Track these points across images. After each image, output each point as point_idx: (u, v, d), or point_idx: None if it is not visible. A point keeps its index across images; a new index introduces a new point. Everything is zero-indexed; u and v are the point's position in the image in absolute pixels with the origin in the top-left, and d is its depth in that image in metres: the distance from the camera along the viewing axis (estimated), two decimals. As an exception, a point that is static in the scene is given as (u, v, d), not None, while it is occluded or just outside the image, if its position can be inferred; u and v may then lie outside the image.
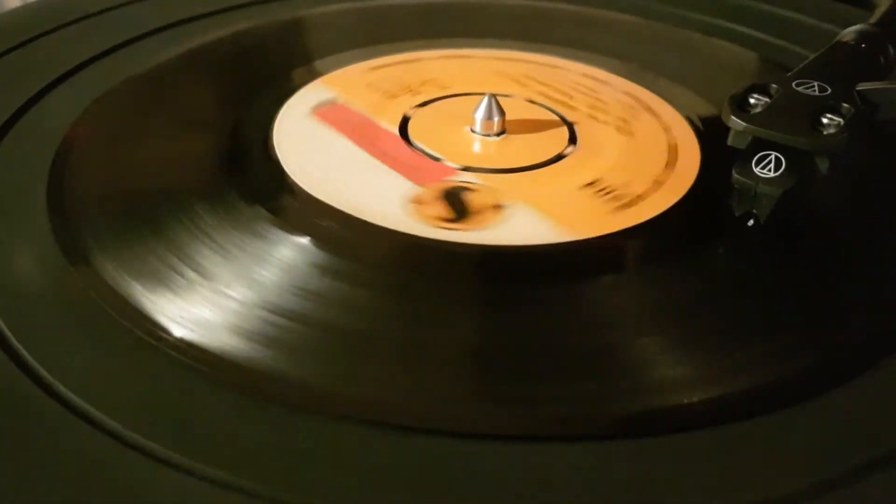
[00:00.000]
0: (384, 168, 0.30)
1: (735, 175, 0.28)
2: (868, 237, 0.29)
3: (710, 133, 0.33)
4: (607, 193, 0.29)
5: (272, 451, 0.21)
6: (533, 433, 0.22)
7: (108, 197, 0.30)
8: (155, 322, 0.24)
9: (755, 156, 0.28)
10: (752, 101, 0.30)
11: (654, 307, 0.26)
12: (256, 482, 0.20)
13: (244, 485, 0.20)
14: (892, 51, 0.34)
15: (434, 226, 0.28)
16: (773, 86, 0.30)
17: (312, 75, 0.36)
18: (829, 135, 0.28)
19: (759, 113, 0.29)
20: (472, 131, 0.32)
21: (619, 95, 0.35)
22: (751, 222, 0.28)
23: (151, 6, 0.43)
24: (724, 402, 0.23)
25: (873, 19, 0.35)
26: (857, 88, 0.30)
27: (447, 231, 0.27)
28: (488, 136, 0.32)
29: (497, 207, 0.28)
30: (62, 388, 0.22)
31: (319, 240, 0.27)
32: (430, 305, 0.26)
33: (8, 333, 0.24)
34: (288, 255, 0.26)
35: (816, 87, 0.30)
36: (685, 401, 0.23)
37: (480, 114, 0.32)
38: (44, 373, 0.23)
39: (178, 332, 0.24)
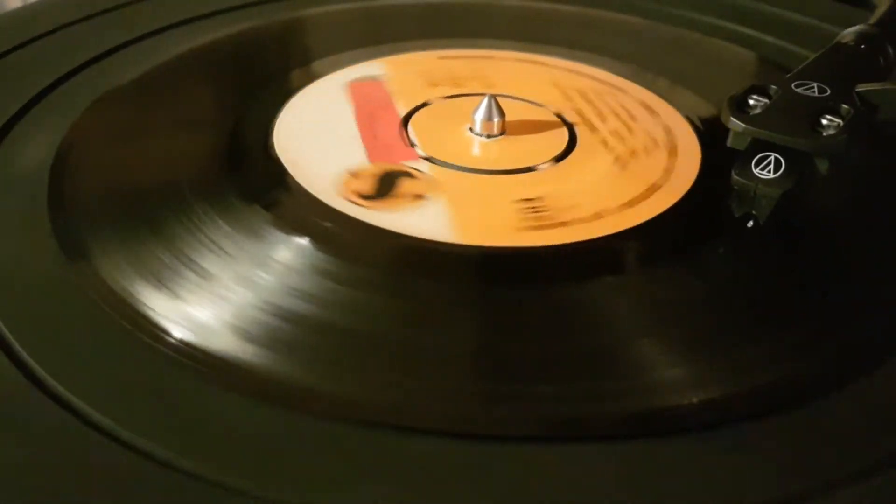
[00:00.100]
0: (357, 142, 0.31)
1: (734, 176, 0.28)
2: (868, 238, 0.29)
3: (710, 134, 0.33)
4: (536, 212, 0.28)
5: (272, 452, 0.21)
6: (532, 434, 0.22)
7: (108, 197, 0.30)
8: (155, 322, 0.24)
9: (755, 157, 0.28)
10: (751, 102, 0.30)
11: (653, 308, 0.26)
12: (256, 482, 0.20)
13: (243, 485, 0.20)
14: (891, 51, 0.34)
15: (345, 198, 0.28)
16: (773, 87, 0.30)
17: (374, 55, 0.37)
18: (829, 136, 0.28)
19: (759, 114, 0.29)
20: (471, 130, 0.32)
21: (654, 129, 0.33)
22: (750, 223, 0.28)
23: (151, 6, 0.43)
24: (724, 403, 0.23)
25: (873, 20, 0.35)
26: (857, 89, 0.30)
27: (351, 205, 0.28)
28: (481, 135, 0.32)
29: (418, 197, 0.29)
30: (61, 389, 0.22)
31: (319, 240, 0.27)
32: (434, 305, 0.26)
33: (7, 333, 0.24)
34: (288, 255, 0.26)
35: (816, 88, 0.30)
36: (685, 401, 0.23)
37: (480, 114, 0.32)
38: (43, 373, 0.23)
39: (177, 332, 0.24)
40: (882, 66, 0.33)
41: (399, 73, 0.36)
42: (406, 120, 0.33)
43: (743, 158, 0.29)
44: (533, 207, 0.29)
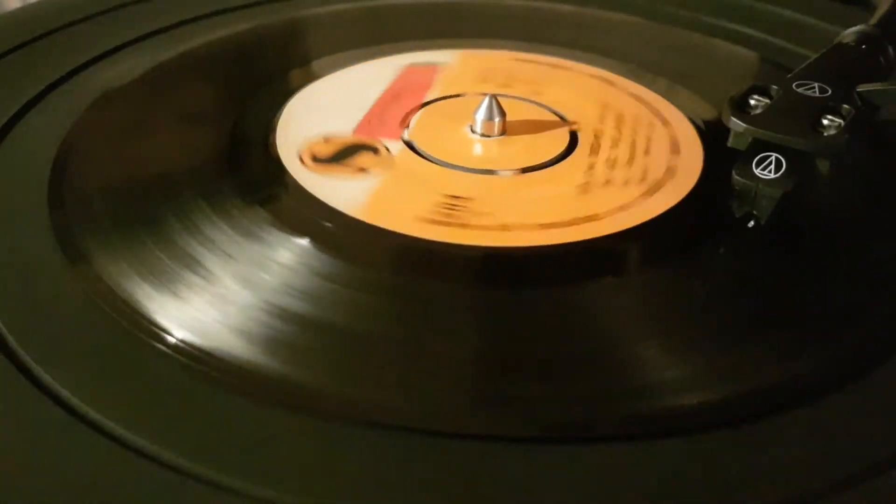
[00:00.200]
0: (359, 116, 0.33)
1: (735, 176, 0.28)
2: (869, 238, 0.29)
3: (712, 135, 0.33)
4: (451, 209, 0.28)
5: (272, 452, 0.21)
6: (532, 434, 0.22)
7: (109, 197, 0.30)
8: (155, 323, 0.24)
9: (755, 157, 0.28)
10: (752, 102, 0.30)
11: (653, 308, 0.26)
12: (255, 482, 0.20)
13: (243, 485, 0.20)
14: (892, 52, 0.34)
15: (298, 156, 0.30)
16: (774, 87, 0.30)
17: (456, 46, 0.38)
18: (830, 136, 0.28)
19: (760, 114, 0.29)
20: (472, 129, 0.32)
21: (655, 167, 0.31)
22: (751, 223, 0.28)
23: (151, 6, 0.43)
24: (724, 403, 0.23)
25: (873, 20, 0.35)
26: (858, 89, 0.30)
27: (301, 167, 0.30)
28: (476, 133, 0.32)
29: (362, 170, 0.30)
30: (61, 389, 0.22)
31: (319, 241, 0.27)
32: (435, 306, 0.26)
33: (7, 334, 0.24)
34: (288, 255, 0.26)
35: (817, 88, 0.30)
36: (685, 401, 0.23)
37: (481, 114, 0.32)
38: (42, 373, 0.23)
39: (178, 332, 0.24)
40: (883, 67, 0.33)
41: (463, 64, 0.37)
42: (423, 106, 0.34)
43: (744, 159, 0.29)
44: (452, 205, 0.29)
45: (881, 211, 0.31)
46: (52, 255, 0.27)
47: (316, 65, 0.38)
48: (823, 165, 0.28)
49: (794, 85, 0.30)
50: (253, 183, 0.30)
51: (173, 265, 0.26)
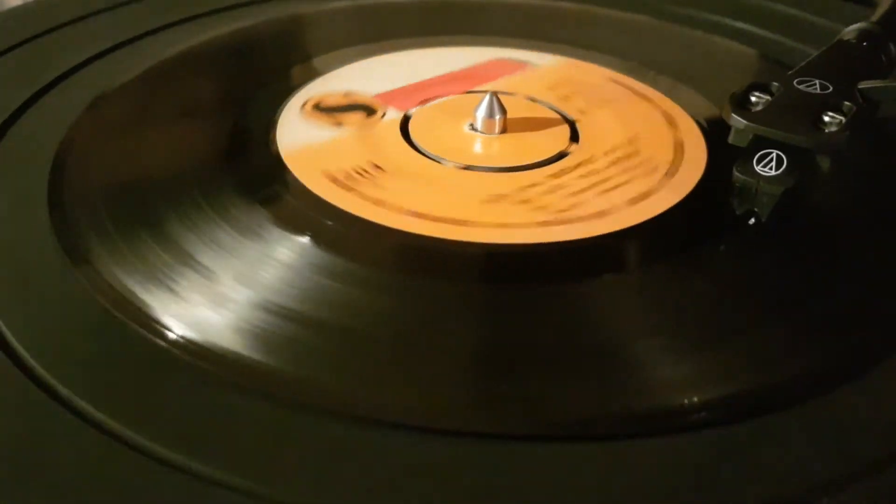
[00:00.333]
0: (397, 85, 0.35)
1: (736, 173, 0.28)
2: (870, 235, 0.29)
3: (715, 133, 0.33)
4: (360, 176, 0.30)
5: (272, 450, 0.21)
6: (532, 434, 0.22)
7: (109, 196, 0.30)
8: (156, 321, 0.24)
9: (756, 154, 0.28)
10: (753, 99, 0.30)
11: (653, 308, 0.26)
12: (256, 482, 0.20)
13: (244, 484, 0.20)
14: (893, 49, 0.34)
15: (307, 102, 0.33)
16: (775, 84, 0.30)
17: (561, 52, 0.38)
18: (831, 133, 0.28)
19: (761, 111, 0.29)
20: (472, 127, 0.32)
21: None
22: (752, 221, 0.28)
23: (151, 6, 0.43)
24: (724, 403, 0.23)
25: (875, 17, 0.35)
26: (859, 86, 0.30)
27: (296, 107, 0.33)
28: (474, 127, 0.32)
29: (337, 123, 0.32)
30: (62, 388, 0.22)
31: (321, 239, 0.27)
32: (431, 306, 0.26)
33: (8, 333, 0.24)
34: (289, 253, 0.26)
35: (818, 85, 0.30)
36: (685, 401, 0.23)
37: (482, 112, 0.32)
38: (43, 372, 0.23)
39: (179, 330, 0.24)
40: (884, 64, 0.33)
41: (552, 70, 0.36)
42: (467, 93, 0.34)
43: (745, 155, 0.28)
44: (364, 171, 0.30)
45: (882, 208, 0.31)
46: (52, 255, 0.27)
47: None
48: (824, 162, 0.28)
49: (795, 82, 0.30)
50: (253, 181, 0.30)
51: (173, 264, 0.26)
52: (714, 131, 0.33)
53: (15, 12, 0.43)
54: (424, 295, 0.26)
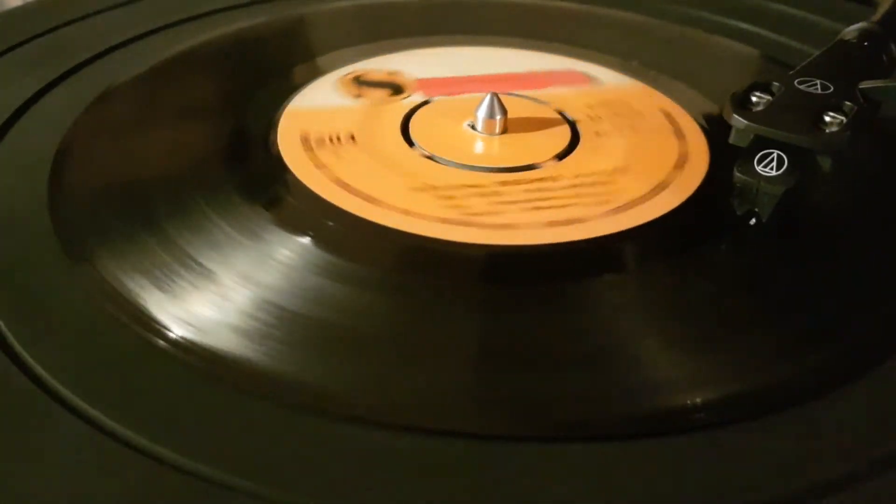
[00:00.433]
0: (447, 74, 0.36)
1: (737, 173, 0.28)
2: (870, 236, 0.29)
3: (716, 132, 0.33)
4: (330, 144, 0.31)
5: (271, 451, 0.21)
6: (532, 434, 0.22)
7: (109, 196, 0.30)
8: (156, 321, 0.24)
9: (757, 154, 0.28)
10: (753, 99, 0.30)
11: (653, 308, 0.26)
12: (256, 482, 0.20)
13: (243, 484, 0.20)
14: (894, 49, 0.34)
15: (349, 74, 0.35)
16: (775, 84, 0.30)
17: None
18: (832, 133, 0.28)
19: (761, 111, 0.29)
20: (471, 125, 0.32)
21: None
22: (752, 221, 0.28)
23: (151, 6, 0.43)
24: (724, 403, 0.23)
25: (875, 17, 0.35)
26: (860, 86, 0.30)
27: (337, 86, 0.34)
28: (477, 129, 0.32)
29: (359, 96, 0.34)
30: (62, 388, 0.22)
31: (322, 240, 0.27)
32: (431, 306, 0.26)
33: (8, 333, 0.24)
34: (290, 254, 0.26)
35: (819, 85, 0.30)
36: (685, 401, 0.23)
37: (482, 112, 0.32)
38: (43, 373, 0.23)
39: (179, 330, 0.24)
40: (885, 64, 0.33)
41: (610, 90, 0.35)
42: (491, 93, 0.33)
43: (745, 156, 0.28)
44: (338, 140, 0.31)
45: (882, 208, 0.31)
46: (52, 255, 0.27)
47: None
48: (825, 162, 0.28)
49: (795, 82, 0.30)
50: (254, 181, 0.30)
51: (173, 263, 0.26)
52: (715, 131, 0.33)
53: (15, 13, 0.43)
54: (426, 297, 0.26)
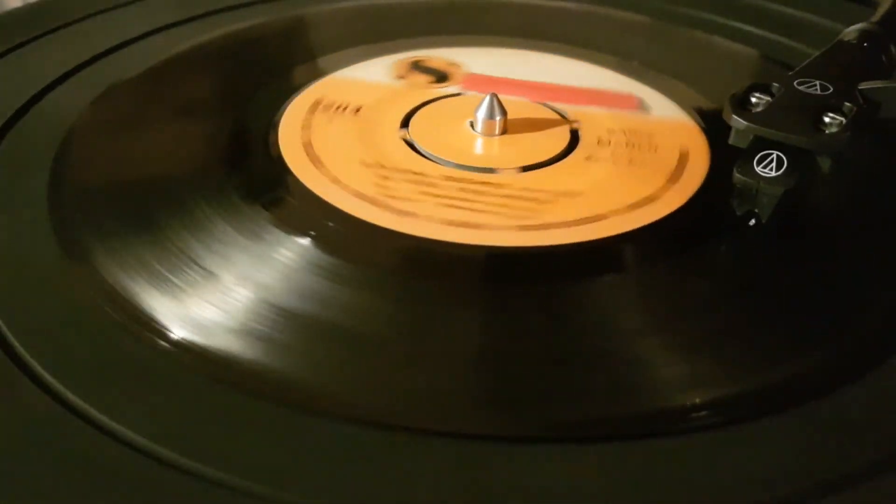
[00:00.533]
0: (488, 74, 0.36)
1: (736, 174, 0.28)
2: (870, 236, 0.29)
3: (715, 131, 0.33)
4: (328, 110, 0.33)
5: (272, 451, 0.21)
6: (532, 434, 0.22)
7: (110, 196, 0.30)
8: (156, 322, 0.24)
9: (757, 155, 0.28)
10: (753, 99, 0.30)
11: (654, 308, 0.26)
12: (256, 482, 0.20)
13: (244, 485, 0.20)
14: (894, 50, 0.34)
15: (410, 59, 0.37)
16: (775, 84, 0.30)
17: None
18: (831, 134, 0.28)
19: (761, 112, 0.29)
20: (472, 126, 0.32)
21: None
22: (752, 222, 0.28)
23: (151, 6, 0.43)
24: (725, 403, 0.23)
25: (875, 18, 0.35)
26: (859, 87, 0.30)
27: (388, 66, 0.36)
28: (476, 130, 0.32)
29: (402, 77, 0.35)
30: (62, 388, 0.22)
31: (322, 240, 0.27)
32: (432, 307, 0.26)
33: (8, 333, 0.24)
34: (290, 255, 0.26)
35: (818, 86, 0.30)
36: (685, 401, 0.23)
37: (482, 113, 0.32)
38: (44, 373, 0.23)
39: (178, 332, 0.24)
40: (884, 65, 0.33)
41: (651, 121, 0.34)
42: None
43: (745, 156, 0.28)
44: (343, 109, 0.33)
45: (882, 208, 0.31)
46: (52, 255, 0.27)
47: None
48: (825, 163, 0.28)
49: (795, 83, 0.30)
50: (254, 182, 0.30)
51: (174, 264, 0.26)
52: (714, 130, 0.33)
53: (15, 13, 0.43)
54: (426, 298, 0.26)
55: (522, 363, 0.24)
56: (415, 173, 0.30)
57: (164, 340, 0.24)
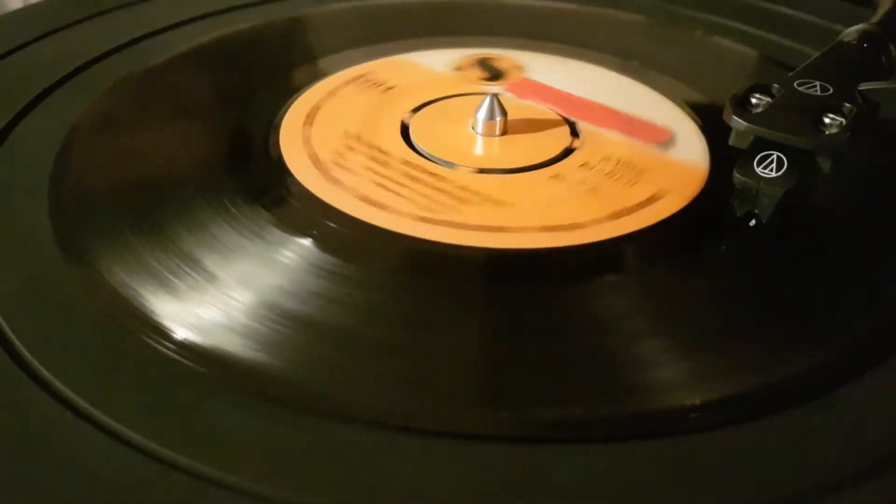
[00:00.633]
0: (540, 81, 0.36)
1: (736, 175, 0.28)
2: (870, 236, 0.29)
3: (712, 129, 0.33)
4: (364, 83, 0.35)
5: (272, 451, 0.21)
6: (532, 434, 0.22)
7: (110, 197, 0.30)
8: (156, 322, 0.24)
9: (757, 155, 0.28)
10: (753, 100, 0.30)
11: (654, 308, 0.26)
12: (256, 482, 0.20)
13: (245, 485, 0.20)
14: (893, 50, 0.34)
15: (476, 56, 0.38)
16: (775, 85, 0.30)
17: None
18: (831, 134, 0.28)
19: (761, 113, 0.29)
20: (472, 127, 0.32)
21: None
22: (752, 222, 0.28)
23: (151, 7, 0.43)
24: (725, 403, 0.23)
25: (875, 19, 0.35)
26: (859, 88, 0.30)
27: (454, 60, 0.37)
28: (476, 131, 0.32)
29: (457, 70, 0.37)
30: (63, 388, 0.22)
31: (322, 241, 0.27)
32: (433, 308, 0.26)
33: (9, 333, 0.24)
34: (291, 256, 0.26)
35: (818, 87, 0.30)
36: (685, 401, 0.23)
37: (482, 114, 0.32)
38: (45, 373, 0.23)
39: (179, 332, 0.24)
40: (884, 65, 0.33)
41: (666, 161, 0.32)
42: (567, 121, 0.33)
43: (745, 157, 0.28)
44: (376, 85, 0.35)
45: (882, 209, 0.31)
46: (53, 256, 0.27)
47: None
48: (825, 164, 0.28)
49: (795, 83, 0.30)
50: (256, 183, 0.30)
51: (174, 265, 0.26)
52: (712, 131, 0.33)
53: (15, 14, 0.43)
54: (425, 298, 0.26)
55: (522, 363, 0.24)
56: (381, 151, 0.31)
57: (164, 340, 0.24)
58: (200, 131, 0.33)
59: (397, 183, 0.30)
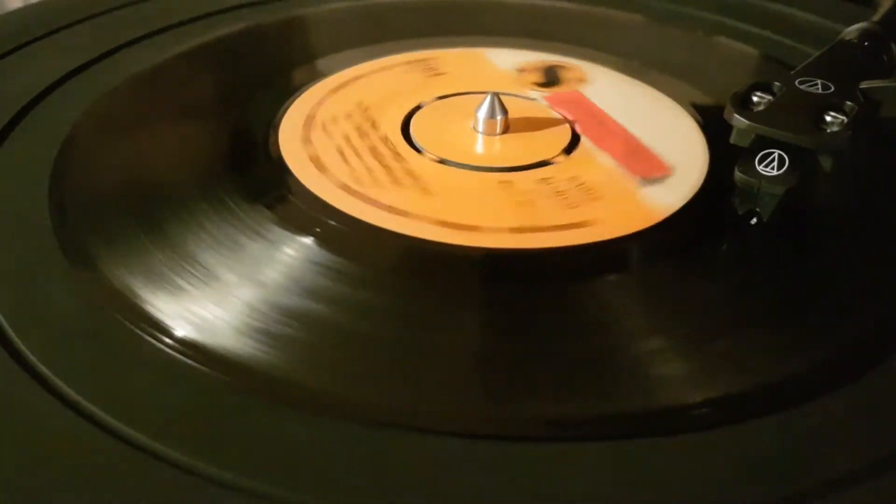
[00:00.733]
0: (585, 97, 0.35)
1: (737, 173, 0.28)
2: (871, 235, 0.29)
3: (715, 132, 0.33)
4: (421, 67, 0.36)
5: (272, 451, 0.21)
6: (532, 434, 0.22)
7: (110, 198, 0.30)
8: (157, 322, 0.24)
9: (758, 154, 0.28)
10: (755, 98, 0.30)
11: (654, 308, 0.26)
12: (256, 482, 0.20)
13: (244, 484, 0.20)
14: (894, 49, 0.34)
15: (537, 60, 0.38)
16: (776, 84, 0.30)
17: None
18: (833, 133, 0.28)
19: (762, 111, 0.29)
20: (473, 126, 0.32)
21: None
22: (753, 221, 0.28)
23: (151, 6, 0.43)
24: (724, 403, 0.23)
25: (876, 17, 0.35)
26: (861, 86, 0.30)
27: (517, 60, 0.38)
28: (477, 130, 0.32)
29: (521, 73, 0.37)
30: (65, 388, 0.22)
31: (323, 240, 0.27)
32: (432, 307, 0.26)
33: (11, 333, 0.24)
34: (292, 255, 0.26)
35: (819, 85, 0.30)
36: (685, 401, 0.23)
37: (482, 113, 0.32)
38: (46, 372, 0.23)
39: (180, 332, 0.24)
40: (885, 64, 0.33)
41: (646, 197, 0.30)
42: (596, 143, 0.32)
43: (746, 156, 0.28)
44: (427, 68, 0.36)
45: (882, 208, 0.31)
46: (54, 256, 0.27)
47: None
48: (826, 162, 0.28)
49: (796, 82, 0.30)
50: (255, 183, 0.30)
51: (175, 265, 0.26)
52: (713, 130, 0.33)
53: (15, 14, 0.43)
54: (425, 298, 0.26)
55: (523, 363, 0.24)
56: (372, 124, 0.32)
57: (166, 340, 0.24)
58: (201, 132, 0.33)
59: (356, 153, 0.31)
